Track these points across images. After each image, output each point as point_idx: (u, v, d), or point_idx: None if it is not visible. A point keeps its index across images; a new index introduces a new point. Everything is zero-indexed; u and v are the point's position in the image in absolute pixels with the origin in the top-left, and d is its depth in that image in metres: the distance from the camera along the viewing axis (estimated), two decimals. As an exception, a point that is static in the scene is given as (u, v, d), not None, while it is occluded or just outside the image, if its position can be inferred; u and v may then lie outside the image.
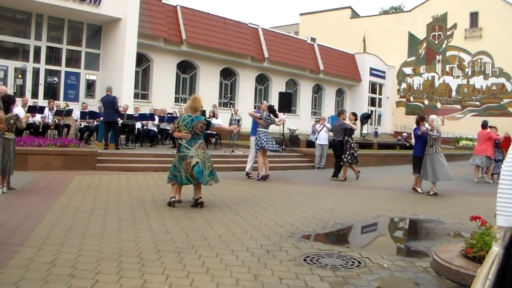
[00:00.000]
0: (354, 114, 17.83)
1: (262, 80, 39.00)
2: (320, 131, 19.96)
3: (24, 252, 6.07)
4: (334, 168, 17.32)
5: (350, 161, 16.47)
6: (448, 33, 51.39)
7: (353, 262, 6.33)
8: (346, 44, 49.33)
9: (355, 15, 59.77)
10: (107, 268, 5.59)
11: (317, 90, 44.38)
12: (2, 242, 6.38)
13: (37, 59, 26.63)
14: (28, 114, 17.99)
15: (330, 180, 16.48)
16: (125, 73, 26.22)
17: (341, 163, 16.64)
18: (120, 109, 18.91)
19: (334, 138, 17.21)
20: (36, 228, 7.35)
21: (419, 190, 14.25)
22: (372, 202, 11.78)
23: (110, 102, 17.59)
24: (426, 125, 14.40)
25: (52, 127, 19.13)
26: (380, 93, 51.18)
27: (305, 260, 6.34)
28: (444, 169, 13.79)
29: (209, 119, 11.27)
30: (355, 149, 16.81)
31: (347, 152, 16.41)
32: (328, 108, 43.80)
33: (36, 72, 26.68)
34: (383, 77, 50.74)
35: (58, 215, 8.34)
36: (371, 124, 46.80)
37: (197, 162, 9.71)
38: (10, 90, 24.55)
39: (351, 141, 16.65)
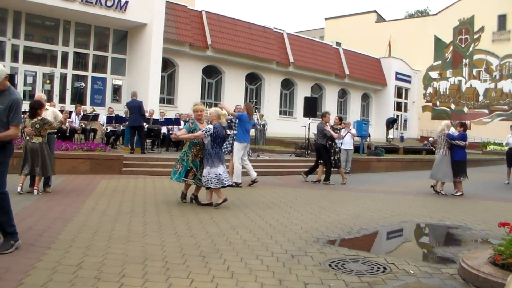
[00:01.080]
0: (340, 118, 17.50)
1: (287, 85, 38.96)
2: (344, 136, 19.84)
3: (52, 254, 6.13)
4: (325, 173, 16.45)
5: (334, 164, 16.27)
6: (475, 36, 50.78)
7: (378, 267, 6.28)
8: (371, 49, 49.06)
9: (380, 19, 59.44)
10: (133, 272, 5.61)
11: (343, 94, 44.22)
12: (31, 244, 6.45)
13: (64, 64, 26.95)
14: (67, 112, 18.14)
15: (345, 185, 16.33)
16: (151, 78, 26.38)
17: (330, 167, 16.26)
18: (145, 114, 19.01)
19: (317, 141, 16.83)
20: (63, 231, 7.42)
21: (442, 192, 14.85)
22: (398, 208, 11.68)
23: (136, 107, 17.69)
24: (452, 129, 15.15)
25: (79, 132, 19.33)
26: (406, 98, 50.80)
27: (330, 265, 6.30)
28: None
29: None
30: (338, 154, 16.69)
31: (332, 157, 16.19)
32: (354, 113, 43.59)
33: (63, 78, 27.00)
34: (409, 82, 50.34)
35: (85, 219, 8.40)
36: (397, 129, 46.46)
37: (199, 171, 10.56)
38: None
39: (335, 145, 16.42)
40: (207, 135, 10.28)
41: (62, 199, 10.33)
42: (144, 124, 18.45)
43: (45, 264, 5.73)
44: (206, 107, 26.57)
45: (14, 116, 6.04)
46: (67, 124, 18.63)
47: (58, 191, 11.26)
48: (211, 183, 10.31)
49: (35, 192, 10.67)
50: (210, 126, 10.48)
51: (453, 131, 14.89)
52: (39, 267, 5.61)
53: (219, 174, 10.39)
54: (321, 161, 16.29)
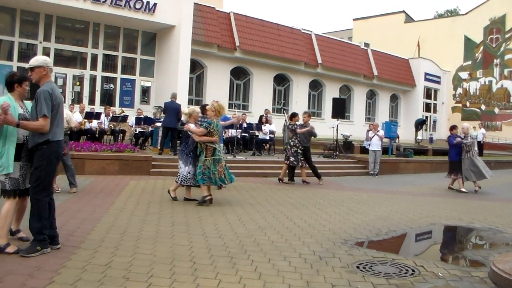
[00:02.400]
0: (309, 114, 16.68)
1: (315, 86, 38.84)
2: (372, 137, 19.72)
3: (81, 254, 6.20)
4: (313, 172, 16.20)
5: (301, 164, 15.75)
6: (507, 35, 49.93)
7: (407, 270, 6.22)
8: (400, 49, 48.66)
9: (409, 19, 58.94)
10: (161, 272, 5.65)
11: (371, 95, 43.94)
12: (61, 243, 6.51)
13: (94, 66, 27.20)
14: (85, 120, 18.40)
15: (375, 187, 16.21)
16: (179, 79, 26.49)
17: (304, 166, 15.86)
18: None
19: (304, 144, 15.83)
20: (92, 231, 7.49)
21: (463, 189, 15.66)
22: (427, 210, 11.57)
23: (174, 109, 17.81)
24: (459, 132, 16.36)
25: (108, 133, 19.51)
26: (435, 99, 50.27)
27: (358, 267, 6.27)
28: (480, 169, 15.59)
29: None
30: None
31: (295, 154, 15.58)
32: (382, 114, 43.27)
33: (93, 79, 27.25)
34: (438, 82, 49.80)
35: (114, 219, 8.47)
36: (426, 130, 46.00)
37: (225, 164, 10.75)
38: (68, 97, 25.19)
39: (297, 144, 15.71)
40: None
41: (91, 199, 10.43)
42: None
43: (75, 263, 5.80)
44: (235, 108, 26.69)
45: (38, 107, 6.04)
46: (97, 125, 18.86)
47: (87, 192, 11.36)
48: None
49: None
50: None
51: (483, 132, 15.31)
52: (69, 266, 5.68)
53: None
54: (288, 161, 15.57)
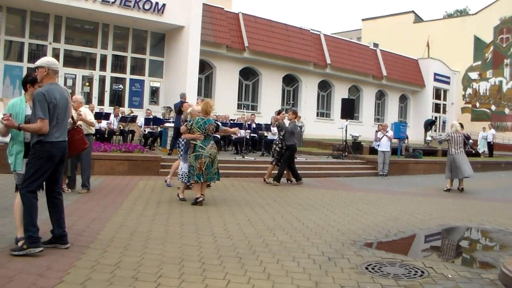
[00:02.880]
0: (295, 112, 15.88)
1: (324, 87, 38.79)
2: (381, 138, 19.68)
3: (90, 253, 6.22)
4: (293, 173, 15.62)
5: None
6: (517, 35, 49.71)
7: (416, 271, 6.20)
8: (409, 49, 48.49)
9: (418, 19, 58.74)
10: (170, 272, 5.66)
11: (380, 96, 43.82)
12: (70, 243, 6.54)
13: (103, 67, 27.27)
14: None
15: (384, 188, 16.17)
16: (188, 80, 26.52)
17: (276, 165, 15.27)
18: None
19: (288, 142, 15.13)
20: (102, 231, 7.52)
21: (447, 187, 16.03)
22: (436, 211, 11.54)
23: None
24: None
25: (117, 133, 19.58)
26: (444, 99, 50.03)
27: (367, 268, 6.26)
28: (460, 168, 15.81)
29: (218, 122, 11.56)
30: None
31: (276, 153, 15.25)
32: (392, 115, 43.13)
33: (102, 80, 27.33)
34: (448, 83, 49.57)
35: (123, 219, 8.50)
36: (435, 130, 45.76)
37: (208, 162, 10.57)
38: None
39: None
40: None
41: (101, 199, 10.46)
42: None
43: (84, 263, 5.83)
44: (244, 109, 26.68)
45: (35, 110, 6.10)
46: (106, 125, 18.90)
47: (96, 192, 11.40)
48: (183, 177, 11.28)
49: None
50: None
51: (493, 132, 15.21)
52: (78, 265, 5.71)
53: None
54: (275, 160, 15.23)
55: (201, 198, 10.44)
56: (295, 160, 16.10)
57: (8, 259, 5.84)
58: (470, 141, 34.78)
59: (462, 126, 16.66)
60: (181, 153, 11.45)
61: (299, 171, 15.68)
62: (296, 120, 15.85)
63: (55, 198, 6.51)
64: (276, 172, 15.15)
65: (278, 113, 16.60)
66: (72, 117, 7.04)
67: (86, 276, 5.37)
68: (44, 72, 6.31)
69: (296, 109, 16.93)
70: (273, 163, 15.33)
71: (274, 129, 21.88)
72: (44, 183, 6.42)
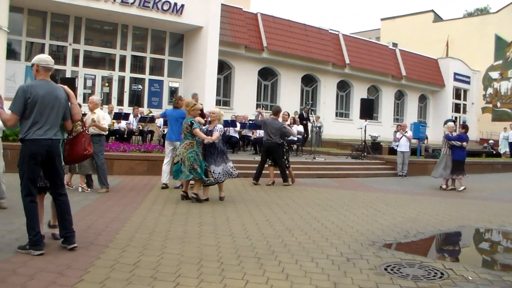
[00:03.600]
0: (288, 114, 15.93)
1: (343, 87, 38.65)
2: (400, 138, 19.57)
3: (110, 253, 6.26)
4: (257, 172, 14.78)
5: (287, 164, 14.92)
6: (539, 33, 48.98)
7: (435, 273, 6.15)
8: (428, 49, 48.12)
9: (438, 18, 58.27)
10: (188, 272, 5.67)
11: (399, 96, 43.56)
12: (90, 242, 6.59)
13: (122, 67, 27.42)
14: (114, 121, 18.56)
15: (402, 188, 16.05)
16: (207, 80, 26.57)
17: (286, 166, 14.79)
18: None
19: (271, 139, 14.59)
20: (121, 230, 7.55)
21: (461, 188, 16.00)
22: (456, 212, 11.45)
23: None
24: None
25: (136, 133, 19.68)
26: (464, 99, 49.59)
27: (385, 269, 6.23)
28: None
29: (193, 121, 10.99)
30: (289, 152, 15.98)
31: (285, 156, 14.87)
32: (411, 115, 42.84)
33: (121, 80, 27.48)
34: (468, 82, 49.13)
35: (142, 219, 8.54)
36: (455, 131, 45.37)
37: (178, 161, 10.79)
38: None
39: (285, 144, 15.06)
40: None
41: (120, 199, 10.52)
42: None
43: (104, 262, 5.86)
44: (262, 108, 26.69)
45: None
46: (125, 125, 19.01)
47: (116, 192, 11.47)
48: (223, 178, 11.05)
49: (79, 189, 11.13)
50: (221, 126, 11.39)
51: None
52: (97, 265, 5.75)
53: (230, 168, 11.21)
54: (271, 161, 14.86)
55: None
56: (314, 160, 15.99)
57: (30, 257, 5.90)
58: (491, 141, 34.57)
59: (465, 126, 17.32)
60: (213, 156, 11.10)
61: (318, 171, 15.65)
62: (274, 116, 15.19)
63: (56, 199, 6.44)
64: (257, 173, 14.74)
65: (277, 111, 15.61)
66: (82, 120, 6.88)
67: (105, 275, 5.41)
68: (35, 70, 6.33)
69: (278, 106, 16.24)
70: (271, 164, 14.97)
71: (293, 129, 21.87)
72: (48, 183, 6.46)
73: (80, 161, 6.84)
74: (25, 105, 6.07)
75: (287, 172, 14.80)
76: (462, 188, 15.95)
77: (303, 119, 25.07)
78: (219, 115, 11.51)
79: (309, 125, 25.22)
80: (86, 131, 6.92)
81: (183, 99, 12.97)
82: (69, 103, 6.51)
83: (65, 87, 6.51)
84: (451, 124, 17.38)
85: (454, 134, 16.91)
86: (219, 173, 10.91)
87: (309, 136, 25.44)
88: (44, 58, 6.41)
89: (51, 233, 6.81)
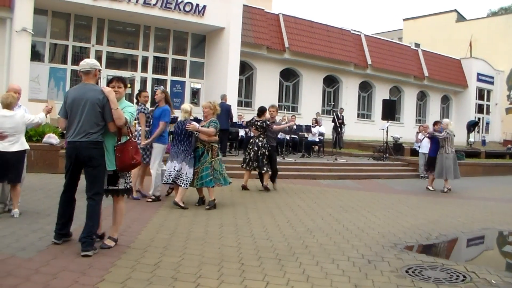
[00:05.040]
0: (277, 109, 14.47)
1: (365, 87, 38.48)
2: (422, 139, 19.43)
3: (131, 253, 6.31)
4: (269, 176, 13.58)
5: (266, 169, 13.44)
6: None
7: (457, 276, 6.11)
8: (451, 49, 47.73)
9: (461, 18, 57.77)
10: (209, 273, 5.70)
11: (422, 97, 43.25)
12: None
13: (144, 68, 27.58)
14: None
15: (426, 190, 15.90)
16: (229, 81, 26.62)
17: (268, 171, 13.38)
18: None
19: (271, 143, 13.64)
20: (142, 231, 7.61)
21: (430, 188, 15.86)
22: (479, 214, 11.36)
23: (225, 110, 17.98)
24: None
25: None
26: (488, 100, 49.09)
27: (407, 271, 6.20)
28: (447, 168, 15.47)
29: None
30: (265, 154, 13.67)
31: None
32: (433, 116, 42.40)
33: (143, 81, 27.62)
34: (492, 83, 48.59)
35: (163, 219, 8.58)
36: (478, 132, 44.89)
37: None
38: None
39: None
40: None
41: (141, 200, 10.58)
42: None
43: (125, 262, 5.91)
44: (284, 110, 26.61)
45: None
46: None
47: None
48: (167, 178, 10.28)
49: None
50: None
51: None
52: (119, 265, 5.80)
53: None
54: (249, 167, 13.48)
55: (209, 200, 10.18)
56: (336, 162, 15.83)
57: (53, 256, 5.98)
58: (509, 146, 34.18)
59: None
60: (185, 154, 10.14)
61: (339, 173, 15.57)
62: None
63: (87, 200, 6.45)
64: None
65: (261, 111, 14.09)
66: (129, 126, 6.63)
67: (126, 275, 5.46)
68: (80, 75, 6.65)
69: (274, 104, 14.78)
70: (248, 168, 13.59)
71: (315, 130, 21.85)
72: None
73: (130, 170, 6.67)
74: (65, 108, 6.44)
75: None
76: (447, 188, 15.68)
77: (338, 119, 25.06)
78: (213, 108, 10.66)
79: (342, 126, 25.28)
80: (133, 139, 6.67)
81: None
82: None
83: (107, 90, 6.44)
84: (447, 120, 16.87)
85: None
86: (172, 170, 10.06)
87: (342, 136, 25.55)
88: (81, 63, 6.64)
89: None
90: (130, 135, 6.60)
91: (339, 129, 24.18)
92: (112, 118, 6.34)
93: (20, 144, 7.97)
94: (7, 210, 8.29)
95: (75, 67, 23.78)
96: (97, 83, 6.72)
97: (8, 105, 7.82)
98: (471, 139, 33.31)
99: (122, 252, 6.34)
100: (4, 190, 8.31)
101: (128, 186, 6.78)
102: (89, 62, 6.61)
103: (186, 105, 10.77)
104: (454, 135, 16.00)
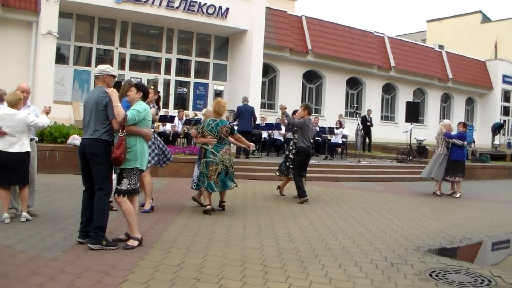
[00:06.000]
0: (307, 107, 12.25)
1: (388, 90, 38.27)
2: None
3: (154, 254, 6.35)
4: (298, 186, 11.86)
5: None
6: None
7: (482, 280, 6.04)
8: (476, 51, 47.23)
9: (486, 19, 57.15)
10: (231, 274, 5.70)
11: (446, 99, 42.89)
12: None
13: (168, 71, 27.76)
14: (159, 123, 18.75)
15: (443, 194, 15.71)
16: (251, 83, 26.66)
17: (294, 176, 12.06)
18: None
19: (308, 144, 12.01)
20: (165, 232, 7.64)
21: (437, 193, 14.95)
22: (504, 217, 11.23)
23: (249, 112, 18.04)
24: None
25: (181, 136, 19.83)
26: (514, 102, 48.55)
27: (430, 275, 6.14)
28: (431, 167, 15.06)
29: (232, 125, 10.24)
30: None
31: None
32: (458, 118, 41.95)
33: (167, 83, 27.79)
34: (518, 85, 48.06)
35: (186, 221, 8.61)
36: (503, 134, 44.33)
37: (222, 169, 9.53)
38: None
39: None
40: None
41: (165, 201, 10.63)
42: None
43: (148, 263, 5.94)
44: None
45: None
46: (170, 128, 19.20)
47: (161, 193, 11.58)
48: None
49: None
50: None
51: None
52: (142, 265, 5.83)
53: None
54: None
55: (208, 207, 9.51)
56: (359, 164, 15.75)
57: (77, 256, 6.05)
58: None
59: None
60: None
61: (362, 175, 15.49)
62: (309, 117, 12.28)
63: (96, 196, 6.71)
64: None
65: (293, 114, 13.41)
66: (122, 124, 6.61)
67: (149, 275, 5.49)
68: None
69: (310, 104, 12.58)
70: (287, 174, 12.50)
71: (338, 131, 21.76)
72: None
73: (116, 165, 6.73)
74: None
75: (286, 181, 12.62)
76: (459, 195, 14.77)
77: (366, 121, 25.06)
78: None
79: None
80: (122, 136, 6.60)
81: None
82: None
83: (109, 90, 6.68)
84: (447, 121, 16.25)
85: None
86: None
87: (371, 139, 25.63)
88: (97, 68, 7.00)
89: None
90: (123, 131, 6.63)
91: (368, 132, 24.20)
92: (113, 115, 6.54)
93: (20, 145, 7.75)
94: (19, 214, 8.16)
95: (99, 70, 24.03)
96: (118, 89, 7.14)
97: (12, 104, 7.76)
98: (496, 142, 32.93)
99: (145, 252, 6.38)
100: (16, 195, 8.17)
101: (131, 188, 6.75)
102: (99, 67, 6.98)
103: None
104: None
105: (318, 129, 21.80)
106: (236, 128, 16.58)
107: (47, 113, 8.25)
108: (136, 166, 6.74)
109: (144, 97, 7.07)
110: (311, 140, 12.45)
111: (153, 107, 8.20)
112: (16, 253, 6.10)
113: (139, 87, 7.06)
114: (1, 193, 7.74)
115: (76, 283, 5.15)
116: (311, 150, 12.40)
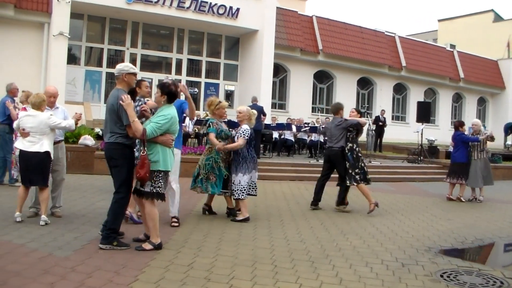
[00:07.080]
0: (358, 111, 11.46)
1: (399, 89, 38.15)
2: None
3: (165, 254, 6.36)
4: (338, 193, 11.17)
5: (360, 179, 10.70)
6: None
7: (494, 282, 6.00)
8: (488, 50, 46.92)
9: (498, 18, 56.76)
10: (242, 274, 5.71)
11: (457, 99, 42.70)
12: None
13: (178, 71, 27.82)
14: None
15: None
16: (262, 83, 26.67)
17: (347, 183, 10.74)
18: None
19: (332, 145, 10.99)
20: (176, 232, 7.67)
21: (462, 199, 13.63)
22: (517, 218, 11.16)
23: (258, 112, 18.03)
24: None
25: (192, 136, 19.87)
26: (527, 101, 48.17)
27: (441, 276, 6.11)
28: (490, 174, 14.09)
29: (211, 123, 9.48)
30: (364, 161, 11.25)
31: (356, 165, 10.76)
32: (469, 118, 41.61)
33: (178, 84, 27.86)
34: (530, 84, 47.70)
35: (197, 220, 8.64)
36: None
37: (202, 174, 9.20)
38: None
39: (358, 148, 10.98)
40: (247, 138, 9.08)
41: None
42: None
43: (159, 262, 5.96)
44: (318, 112, 26.54)
45: None
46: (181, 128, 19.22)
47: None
48: (242, 193, 8.90)
49: None
50: (247, 127, 9.25)
51: None
52: (153, 265, 5.85)
53: (252, 182, 9.26)
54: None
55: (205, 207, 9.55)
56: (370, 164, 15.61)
57: (88, 256, 6.08)
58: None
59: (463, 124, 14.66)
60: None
61: (373, 175, 15.20)
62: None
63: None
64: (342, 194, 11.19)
65: (339, 109, 11.30)
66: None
67: (160, 275, 5.51)
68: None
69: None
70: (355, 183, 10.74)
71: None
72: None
73: (142, 184, 6.55)
74: None
75: (363, 192, 10.80)
76: (482, 198, 13.91)
77: (379, 121, 25.03)
78: (247, 114, 9.50)
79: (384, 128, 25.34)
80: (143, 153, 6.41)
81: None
82: None
83: (125, 104, 6.35)
84: (477, 121, 15.19)
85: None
86: (237, 184, 8.92)
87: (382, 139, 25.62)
88: (117, 67, 6.81)
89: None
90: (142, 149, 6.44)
91: (380, 132, 24.17)
92: (128, 121, 6.34)
93: (40, 145, 7.76)
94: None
95: (110, 70, 24.19)
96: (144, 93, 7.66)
97: (36, 105, 7.84)
98: (508, 142, 32.73)
99: (156, 252, 6.39)
100: (37, 195, 8.25)
101: (155, 191, 6.51)
102: (118, 67, 6.77)
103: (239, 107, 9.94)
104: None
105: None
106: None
107: (78, 119, 8.34)
108: (157, 168, 6.46)
109: (170, 99, 6.73)
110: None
111: (144, 103, 7.49)
112: (28, 252, 6.14)
113: (163, 88, 6.71)
114: (21, 192, 7.86)
115: (87, 282, 5.17)
116: None
